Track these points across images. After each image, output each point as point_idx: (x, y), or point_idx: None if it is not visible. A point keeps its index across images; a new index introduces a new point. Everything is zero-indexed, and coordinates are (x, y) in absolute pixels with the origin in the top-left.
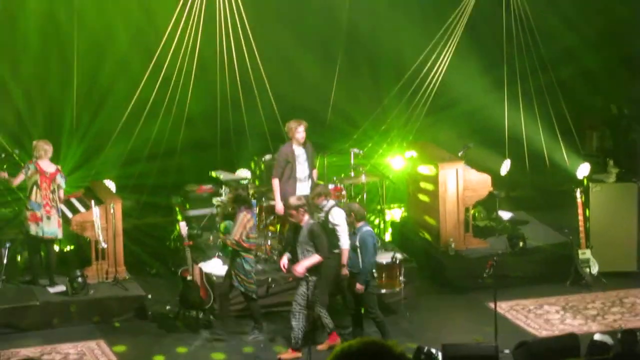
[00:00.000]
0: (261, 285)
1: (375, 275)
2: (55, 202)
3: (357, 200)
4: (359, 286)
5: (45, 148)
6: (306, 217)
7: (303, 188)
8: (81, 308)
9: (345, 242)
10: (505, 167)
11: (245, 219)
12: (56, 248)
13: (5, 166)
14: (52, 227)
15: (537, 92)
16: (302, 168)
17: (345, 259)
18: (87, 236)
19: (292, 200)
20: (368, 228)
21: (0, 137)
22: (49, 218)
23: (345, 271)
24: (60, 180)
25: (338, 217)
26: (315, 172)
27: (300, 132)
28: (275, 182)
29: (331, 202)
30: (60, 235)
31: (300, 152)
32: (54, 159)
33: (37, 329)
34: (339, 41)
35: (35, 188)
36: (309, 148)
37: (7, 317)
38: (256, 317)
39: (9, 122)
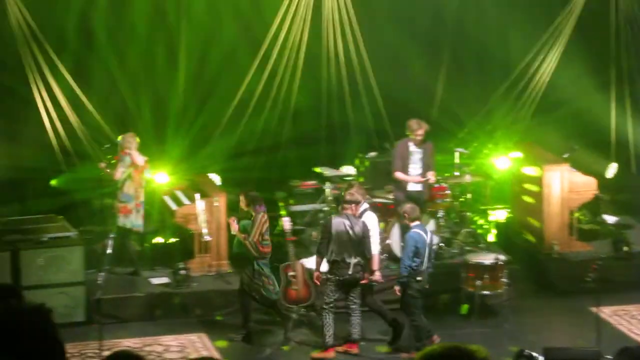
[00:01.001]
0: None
1: (420, 279)
2: (142, 194)
3: (461, 200)
4: (396, 288)
5: (135, 140)
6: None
7: (413, 187)
8: (183, 300)
9: (374, 248)
10: (611, 170)
11: (263, 220)
12: (160, 240)
13: (109, 156)
14: (139, 220)
15: None
16: (414, 167)
17: (375, 264)
18: (191, 229)
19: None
20: (417, 230)
21: (107, 128)
22: (138, 211)
23: (376, 276)
24: (148, 173)
25: (370, 222)
26: (431, 174)
27: (419, 134)
28: (398, 174)
29: (365, 205)
30: (142, 230)
31: (415, 151)
32: (160, 151)
33: (139, 320)
34: (446, 40)
35: (128, 180)
36: (428, 149)
37: (110, 307)
38: (284, 321)
39: (116, 113)
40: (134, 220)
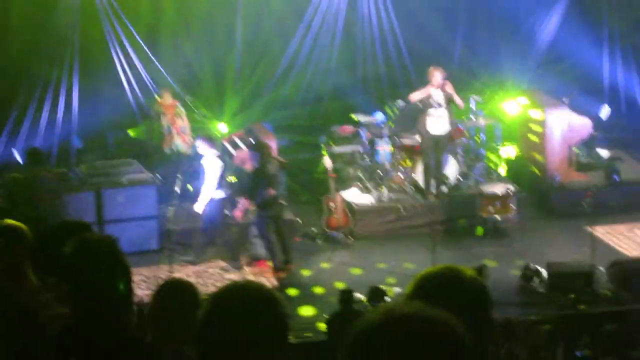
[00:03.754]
0: (393, 211)
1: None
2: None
3: (476, 140)
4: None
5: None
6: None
7: (436, 124)
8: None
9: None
10: (604, 111)
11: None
12: None
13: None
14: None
15: (634, 49)
16: (436, 109)
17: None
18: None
19: None
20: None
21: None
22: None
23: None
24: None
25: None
26: (457, 99)
27: (436, 77)
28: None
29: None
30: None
31: (436, 95)
32: (220, 105)
33: (204, 247)
34: (462, 4)
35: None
36: (448, 92)
37: (179, 236)
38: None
39: (181, 72)
40: (178, 144)
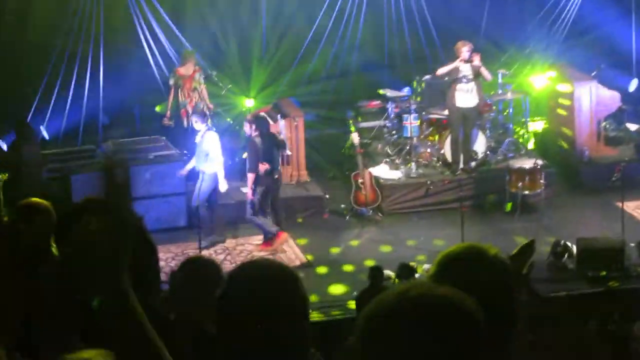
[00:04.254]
0: (421, 187)
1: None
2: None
3: (504, 114)
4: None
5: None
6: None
7: (464, 98)
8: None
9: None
10: (633, 85)
11: None
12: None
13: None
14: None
15: None
16: (464, 83)
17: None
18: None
19: None
20: None
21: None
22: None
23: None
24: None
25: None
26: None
27: (465, 51)
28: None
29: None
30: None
31: (465, 68)
32: (246, 80)
33: (232, 224)
34: None
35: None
36: (476, 66)
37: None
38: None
39: (207, 47)
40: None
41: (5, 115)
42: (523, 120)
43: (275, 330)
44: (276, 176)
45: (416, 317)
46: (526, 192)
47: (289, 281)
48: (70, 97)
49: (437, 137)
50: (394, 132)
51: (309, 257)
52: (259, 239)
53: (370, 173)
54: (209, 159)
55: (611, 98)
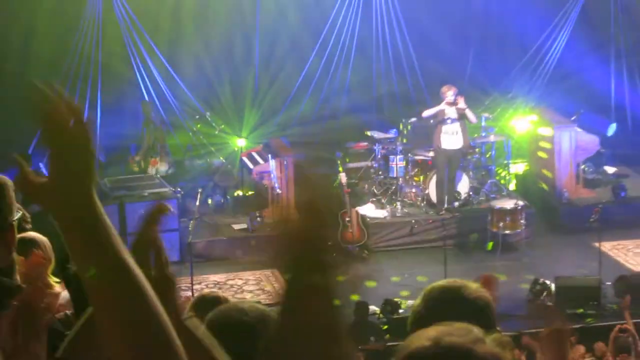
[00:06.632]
0: (406, 226)
1: None
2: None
3: (487, 156)
4: None
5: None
6: None
7: (449, 140)
8: (259, 242)
9: None
10: (611, 129)
11: None
12: (239, 193)
13: (198, 125)
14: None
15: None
16: (449, 124)
17: None
18: (264, 183)
19: None
20: None
21: (196, 100)
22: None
23: None
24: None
25: None
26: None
27: (449, 95)
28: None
29: None
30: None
31: (450, 111)
32: (239, 120)
33: (223, 259)
34: (474, 24)
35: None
36: (461, 108)
37: (200, 249)
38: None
39: (202, 89)
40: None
41: (10, 149)
42: (505, 162)
43: None
44: None
45: None
46: (507, 231)
47: (263, 326)
48: None
49: (422, 178)
50: (380, 172)
51: None
52: (247, 274)
53: (357, 212)
54: None
55: (590, 142)
